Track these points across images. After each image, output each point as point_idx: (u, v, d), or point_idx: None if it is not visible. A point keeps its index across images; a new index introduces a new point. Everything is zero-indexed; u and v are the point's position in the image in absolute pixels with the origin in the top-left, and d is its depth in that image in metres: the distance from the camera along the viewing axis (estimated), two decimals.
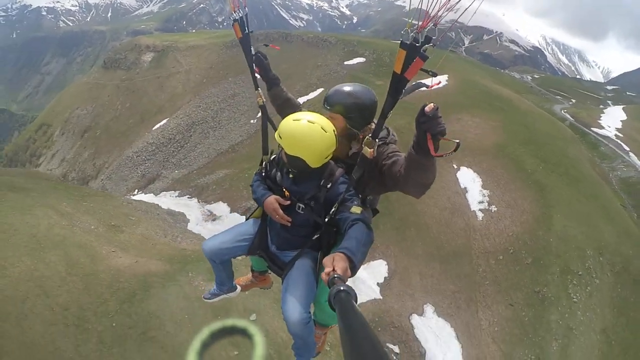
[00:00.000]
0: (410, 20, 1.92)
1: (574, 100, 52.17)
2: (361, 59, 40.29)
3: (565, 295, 15.36)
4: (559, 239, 17.00)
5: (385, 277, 16.44)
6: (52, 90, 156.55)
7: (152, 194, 26.76)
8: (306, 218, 2.58)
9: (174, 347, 9.10)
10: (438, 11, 1.82)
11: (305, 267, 2.65)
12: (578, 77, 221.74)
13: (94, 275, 10.40)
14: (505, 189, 19.58)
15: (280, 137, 2.41)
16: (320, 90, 35.34)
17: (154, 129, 40.47)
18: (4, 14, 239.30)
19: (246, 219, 3.08)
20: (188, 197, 23.95)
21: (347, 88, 2.62)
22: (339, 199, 2.42)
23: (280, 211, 2.57)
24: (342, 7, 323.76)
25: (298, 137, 2.35)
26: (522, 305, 15.33)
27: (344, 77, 36.40)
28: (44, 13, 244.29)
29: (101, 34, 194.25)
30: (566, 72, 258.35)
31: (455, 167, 20.53)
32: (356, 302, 1.32)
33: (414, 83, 2.14)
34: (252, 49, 3.12)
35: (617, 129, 35.57)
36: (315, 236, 2.62)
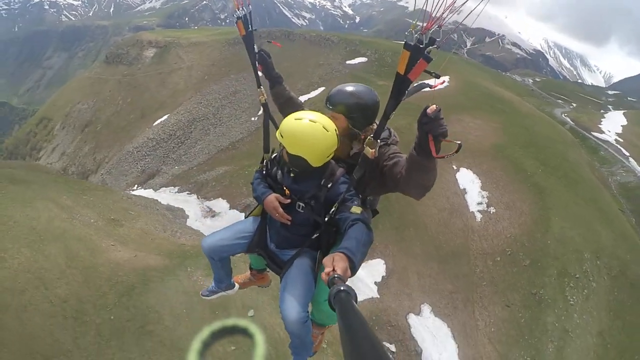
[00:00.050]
0: (414, 22, 1.93)
1: (574, 104, 52.16)
2: (363, 59, 40.30)
3: (562, 297, 15.40)
4: (557, 241, 17.04)
5: (383, 276, 16.47)
6: (53, 84, 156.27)
7: (151, 190, 26.79)
8: (306, 217, 2.59)
9: (172, 341, 9.15)
10: (442, 13, 1.83)
11: (304, 266, 2.65)
12: (579, 81, 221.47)
13: (93, 268, 10.46)
14: (504, 190, 19.61)
15: (281, 136, 2.41)
16: (321, 89, 35.34)
17: (154, 124, 40.46)
18: (6, 7, 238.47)
19: (245, 217, 3.08)
20: (187, 193, 23.97)
21: (349, 88, 2.62)
22: (339, 199, 2.43)
23: (281, 210, 2.57)
24: (345, 7, 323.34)
25: (300, 136, 2.35)
26: (518, 307, 15.37)
27: (345, 77, 36.42)
28: (47, 7, 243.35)
29: (103, 29, 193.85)
30: (568, 76, 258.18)
31: (455, 168, 20.57)
32: (356, 302, 1.32)
33: (417, 84, 2.15)
34: (255, 46, 3.12)
35: (618, 134, 35.59)
36: (315, 235, 2.62)
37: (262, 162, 2.97)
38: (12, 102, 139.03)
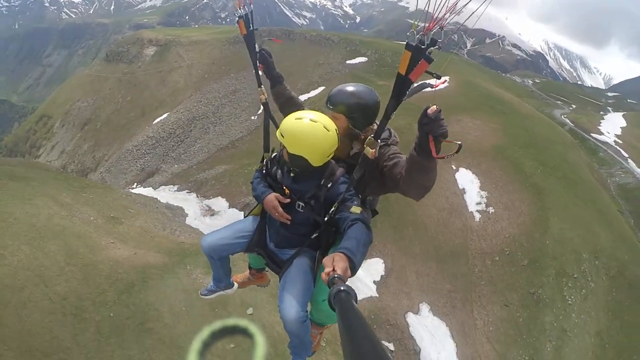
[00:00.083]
0: (415, 22, 1.92)
1: (574, 106, 52.26)
2: (363, 59, 40.33)
3: (560, 297, 15.45)
4: (555, 241, 17.09)
5: (382, 275, 16.51)
6: (53, 82, 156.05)
7: (150, 188, 26.78)
8: (306, 217, 2.58)
9: (172, 339, 9.16)
10: (444, 14, 1.82)
11: (303, 265, 2.64)
12: (579, 82, 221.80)
13: (93, 265, 10.45)
14: (503, 190, 19.66)
15: (282, 135, 2.41)
16: (321, 88, 35.37)
17: (154, 122, 40.45)
18: (6, 4, 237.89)
19: (245, 216, 3.07)
20: (187, 192, 23.99)
21: (350, 88, 2.62)
22: (339, 199, 2.42)
23: (280, 209, 2.57)
24: (346, 7, 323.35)
25: (300, 136, 2.35)
26: (517, 306, 15.42)
27: (345, 76, 36.44)
28: (47, 4, 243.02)
29: (104, 26, 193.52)
30: (567, 78, 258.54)
31: (454, 168, 20.62)
32: (356, 302, 1.32)
33: (418, 84, 2.14)
34: (256, 46, 3.11)
35: (617, 136, 35.70)
36: (314, 235, 2.61)
37: (262, 161, 2.96)
38: (11, 99, 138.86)
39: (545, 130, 27.59)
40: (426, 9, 1.84)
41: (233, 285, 3.50)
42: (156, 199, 20.79)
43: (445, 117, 1.93)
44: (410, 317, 15.30)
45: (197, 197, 22.76)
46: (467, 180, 20.16)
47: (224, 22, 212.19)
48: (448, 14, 1.82)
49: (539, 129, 27.08)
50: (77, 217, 12.61)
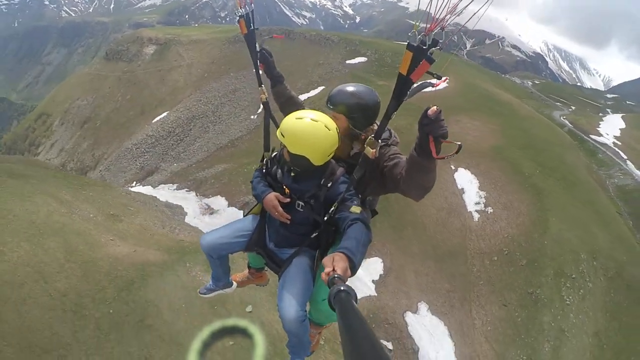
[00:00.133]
0: (417, 23, 1.93)
1: (573, 107, 52.37)
2: (363, 59, 40.34)
3: (559, 297, 15.50)
4: (554, 242, 17.14)
5: (380, 275, 16.54)
6: (52, 80, 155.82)
7: (150, 187, 26.78)
8: (305, 216, 2.58)
9: (171, 335, 9.18)
10: (445, 15, 1.84)
11: (303, 265, 2.64)
12: (579, 84, 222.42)
13: (93, 262, 10.46)
14: (502, 191, 19.72)
15: (283, 135, 2.40)
16: (321, 88, 35.38)
17: (154, 121, 40.43)
18: (6, 2, 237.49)
19: (244, 215, 3.07)
20: (186, 191, 24.00)
21: (350, 88, 2.62)
22: (338, 198, 2.43)
23: (280, 208, 2.56)
24: (346, 7, 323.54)
25: (301, 135, 2.35)
26: (515, 306, 15.46)
27: (345, 76, 36.46)
28: (47, 2, 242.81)
29: (103, 25, 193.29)
30: (567, 79, 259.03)
31: (453, 168, 20.66)
32: (356, 302, 1.33)
33: (418, 83, 2.15)
34: (256, 45, 3.12)
35: (616, 137, 35.78)
36: (314, 235, 2.61)
37: (262, 160, 2.96)
38: (10, 97, 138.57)
39: (544, 132, 27.67)
40: (428, 9, 1.85)
41: (232, 284, 3.50)
42: (155, 197, 20.79)
43: (445, 118, 1.94)
44: (409, 317, 15.33)
45: (197, 195, 22.76)
46: (466, 180, 20.21)
47: (223, 22, 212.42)
48: (449, 15, 1.84)
49: (538, 130, 27.16)
50: (77, 215, 12.62)
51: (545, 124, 30.37)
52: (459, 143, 1.90)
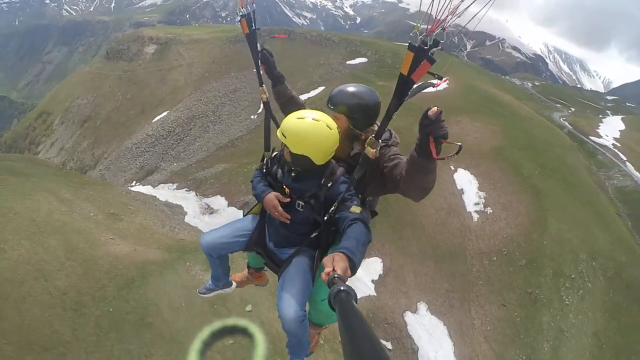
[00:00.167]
0: (418, 24, 1.95)
1: (573, 109, 52.37)
2: (363, 59, 40.34)
3: (558, 297, 15.53)
4: (553, 242, 17.17)
5: (380, 275, 16.56)
6: (52, 79, 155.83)
7: (150, 186, 26.79)
8: (305, 216, 2.58)
9: (171, 334, 9.21)
10: (447, 16, 1.85)
11: (303, 265, 2.64)
12: (579, 86, 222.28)
13: (93, 261, 10.49)
14: (502, 191, 19.75)
15: (284, 135, 2.40)
16: (321, 88, 35.39)
17: (154, 121, 40.41)
18: (7, 0, 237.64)
19: (244, 215, 3.07)
20: (186, 190, 24.00)
21: (351, 88, 2.63)
22: (338, 198, 2.43)
23: (280, 208, 2.57)
24: (346, 7, 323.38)
25: (304, 135, 2.35)
26: (514, 306, 15.49)
27: (345, 77, 36.47)
28: (47, 1, 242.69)
29: (104, 24, 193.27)
30: (567, 81, 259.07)
31: (453, 168, 20.69)
32: (356, 302, 1.33)
33: (419, 84, 2.16)
34: (257, 45, 3.12)
35: (615, 139, 35.82)
36: (314, 234, 2.61)
37: (262, 160, 2.96)
38: (11, 96, 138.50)
39: (544, 133, 27.71)
40: (429, 11, 1.86)
41: (231, 284, 3.50)
42: (155, 197, 20.80)
43: (445, 119, 1.95)
44: (408, 316, 15.35)
45: (196, 195, 22.77)
46: (465, 180, 20.24)
47: (224, 21, 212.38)
48: (450, 15, 1.85)
49: (538, 132, 27.19)
50: (77, 213, 12.65)
51: (545, 126, 30.42)
52: (459, 144, 1.90)
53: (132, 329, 9.14)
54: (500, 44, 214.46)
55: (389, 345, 14.23)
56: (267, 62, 3.11)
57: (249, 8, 3.07)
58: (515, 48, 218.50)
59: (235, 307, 10.53)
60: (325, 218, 2.49)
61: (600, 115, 49.51)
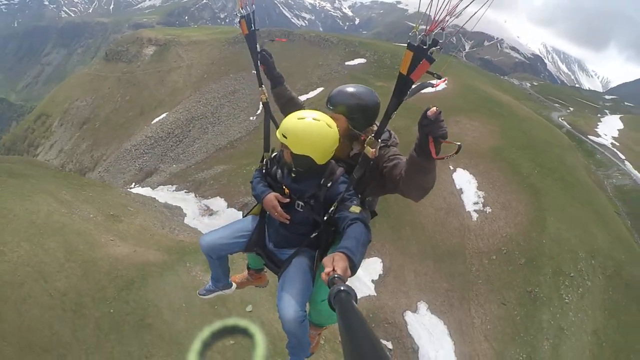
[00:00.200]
0: (418, 23, 1.95)
1: (572, 109, 52.43)
2: (362, 60, 40.36)
3: (557, 295, 15.56)
4: (552, 241, 17.21)
5: (380, 275, 16.58)
6: (51, 80, 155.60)
7: (149, 188, 26.78)
8: (305, 216, 2.58)
9: (172, 335, 9.21)
10: (445, 16, 1.86)
11: (302, 265, 2.64)
12: (577, 86, 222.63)
13: (93, 262, 10.49)
14: (501, 191, 19.79)
15: (285, 136, 2.39)
16: (320, 89, 35.41)
17: (153, 122, 40.42)
18: (6, 2, 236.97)
19: (244, 216, 3.07)
20: (185, 192, 24.00)
21: (350, 89, 2.63)
22: (338, 198, 2.42)
23: (280, 208, 2.57)
24: (345, 8, 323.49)
25: (306, 135, 2.35)
26: (514, 305, 15.52)
27: (344, 77, 36.49)
28: (46, 3, 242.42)
29: (103, 25, 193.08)
30: (565, 81, 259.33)
31: (452, 168, 20.73)
32: (356, 302, 1.33)
33: (419, 83, 2.16)
34: (257, 46, 3.12)
35: (614, 138, 35.94)
36: (314, 235, 2.61)
37: (262, 160, 2.95)
38: (10, 98, 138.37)
39: (543, 133, 27.75)
40: (427, 11, 1.87)
41: (231, 285, 3.49)
42: (154, 198, 20.81)
43: (444, 119, 1.96)
44: (409, 316, 15.37)
45: (196, 197, 22.78)
46: (464, 180, 20.28)
47: (223, 23, 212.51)
48: (449, 16, 1.85)
49: (536, 131, 27.23)
50: (77, 215, 12.64)
51: (544, 125, 30.47)
52: (459, 143, 1.90)
53: (132, 330, 9.14)
54: (498, 44, 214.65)
55: (389, 345, 14.24)
56: (267, 63, 3.11)
57: (249, 9, 3.07)
58: (513, 48, 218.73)
59: (236, 307, 10.54)
60: (325, 218, 2.48)
61: (599, 115, 49.61)
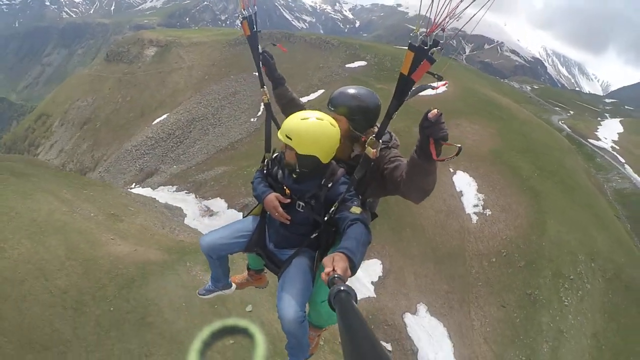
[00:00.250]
0: (419, 23, 1.96)
1: (572, 112, 52.60)
2: (362, 62, 40.45)
3: (557, 298, 15.57)
4: (552, 243, 17.23)
5: (380, 276, 16.58)
6: (52, 81, 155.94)
7: (149, 188, 26.81)
8: (306, 216, 2.57)
9: (172, 334, 9.20)
10: (446, 17, 1.87)
11: (303, 265, 2.62)
12: (577, 89, 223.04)
13: (94, 260, 10.50)
14: (500, 193, 19.83)
15: (290, 138, 2.38)
16: (321, 91, 35.50)
17: (153, 123, 40.47)
18: (7, 2, 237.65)
19: (244, 216, 3.06)
20: (186, 193, 24.04)
21: (351, 90, 2.64)
22: (339, 199, 2.42)
23: (280, 209, 2.56)
24: (345, 11, 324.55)
25: (311, 135, 2.35)
26: (513, 307, 15.53)
27: (345, 80, 36.55)
28: (47, 3, 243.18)
29: (104, 26, 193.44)
30: (565, 84, 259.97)
31: (452, 171, 20.77)
32: (356, 302, 1.32)
33: (419, 85, 2.18)
34: (259, 47, 3.12)
35: (614, 141, 36.04)
36: (314, 235, 2.60)
37: (263, 161, 2.94)
38: (10, 98, 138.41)
39: (543, 136, 27.82)
40: (428, 12, 1.88)
41: (231, 285, 3.48)
42: (155, 199, 20.84)
43: (445, 121, 1.98)
44: (408, 318, 15.37)
45: (196, 197, 22.82)
46: (464, 183, 20.32)
47: (224, 25, 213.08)
48: (449, 17, 1.87)
49: (536, 135, 27.31)
50: (78, 213, 12.66)
51: (544, 128, 30.54)
52: (459, 145, 1.89)
53: (133, 328, 9.14)
54: (498, 47, 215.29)
55: (388, 346, 14.24)
56: (268, 65, 3.12)
57: (251, 10, 3.08)
58: (513, 51, 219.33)
59: (236, 307, 10.54)
60: (326, 218, 2.48)
61: (599, 118, 49.78)
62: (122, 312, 9.36)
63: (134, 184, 31.89)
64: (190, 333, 9.13)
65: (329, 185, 2.48)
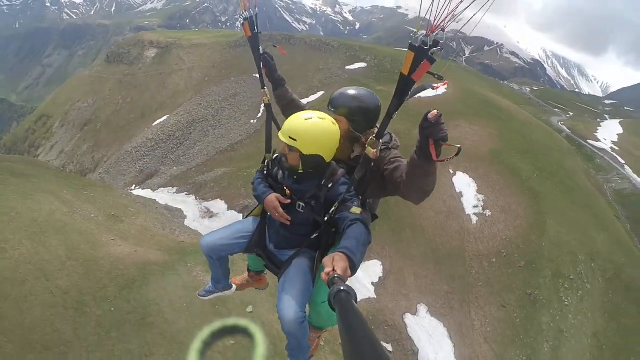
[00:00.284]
0: (419, 24, 1.97)
1: (571, 113, 52.65)
2: (363, 64, 40.50)
3: (557, 298, 15.58)
4: (552, 244, 17.25)
5: (380, 277, 16.59)
6: (52, 82, 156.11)
7: (149, 190, 26.82)
8: (306, 217, 2.58)
9: (172, 334, 9.21)
10: (446, 17, 1.88)
11: (303, 266, 2.63)
12: (577, 90, 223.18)
13: (94, 261, 10.50)
14: (500, 194, 19.85)
15: (294, 139, 2.38)
16: (321, 93, 35.54)
17: (154, 124, 40.49)
18: (7, 3, 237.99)
19: (244, 217, 3.07)
20: (186, 194, 24.04)
21: (352, 91, 2.65)
22: (339, 199, 2.42)
23: (281, 209, 2.56)
24: (345, 13, 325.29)
25: (316, 135, 2.36)
26: (514, 307, 15.53)
27: (345, 82, 36.58)
28: (48, 4, 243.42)
29: (104, 28, 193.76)
30: (565, 86, 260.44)
31: (452, 172, 20.80)
32: (356, 302, 1.32)
33: (420, 85, 2.18)
34: (260, 48, 3.14)
35: (614, 142, 36.08)
36: (314, 235, 2.60)
37: (263, 162, 2.95)
38: (10, 99, 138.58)
39: (543, 137, 27.86)
40: (427, 15, 1.90)
41: (231, 287, 3.49)
42: (155, 200, 20.85)
43: (444, 122, 1.99)
44: (409, 318, 15.37)
45: (196, 199, 22.81)
46: (464, 183, 20.35)
47: (224, 26, 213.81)
48: (449, 17, 1.88)
49: (536, 136, 27.35)
50: (79, 214, 12.68)
51: (543, 130, 30.59)
52: (459, 146, 1.91)
53: (133, 328, 9.14)
54: (498, 49, 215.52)
55: (389, 347, 14.24)
56: (269, 66, 3.13)
57: (252, 11, 3.09)
58: (513, 53, 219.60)
59: (236, 308, 10.55)
60: (326, 219, 2.48)
61: (599, 119, 49.80)
62: (122, 313, 9.36)
63: (134, 185, 31.90)
64: (190, 333, 9.13)
65: (329, 185, 2.49)
